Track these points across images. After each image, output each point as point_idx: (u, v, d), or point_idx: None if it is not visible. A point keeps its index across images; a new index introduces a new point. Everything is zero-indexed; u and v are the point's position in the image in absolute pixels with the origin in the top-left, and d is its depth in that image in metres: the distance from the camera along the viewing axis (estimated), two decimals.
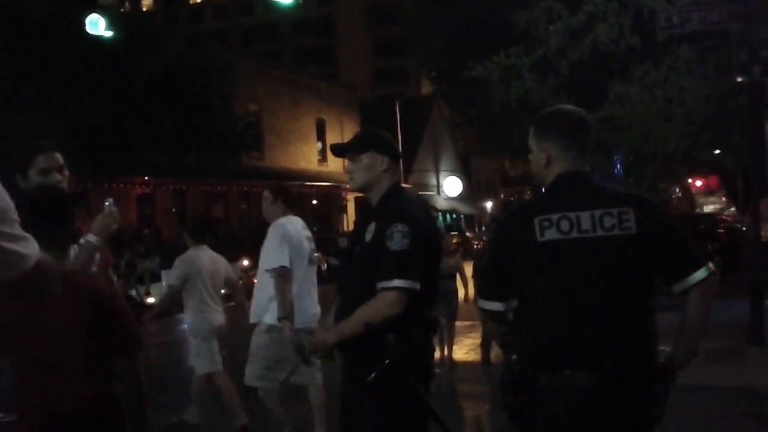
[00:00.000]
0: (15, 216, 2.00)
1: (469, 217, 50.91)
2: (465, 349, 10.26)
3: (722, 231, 19.00)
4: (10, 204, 1.99)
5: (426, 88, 43.13)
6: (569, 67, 14.12)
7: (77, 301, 2.60)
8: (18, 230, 2.02)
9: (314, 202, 34.50)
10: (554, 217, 2.70)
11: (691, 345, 2.77)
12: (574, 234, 2.67)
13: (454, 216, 46.82)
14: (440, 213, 40.82)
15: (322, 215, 34.43)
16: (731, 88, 12.37)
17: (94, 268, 3.40)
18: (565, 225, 2.68)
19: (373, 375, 3.09)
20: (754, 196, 10.17)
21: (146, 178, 24.17)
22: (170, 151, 21.37)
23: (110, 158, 18.93)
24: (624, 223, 2.66)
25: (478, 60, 14.78)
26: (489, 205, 53.38)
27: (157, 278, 18.61)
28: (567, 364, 2.63)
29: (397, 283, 3.15)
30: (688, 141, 14.61)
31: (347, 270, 3.51)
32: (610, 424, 2.62)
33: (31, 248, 2.08)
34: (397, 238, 3.17)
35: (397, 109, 38.42)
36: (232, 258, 22.82)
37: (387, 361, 3.09)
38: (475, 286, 7.31)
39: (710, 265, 2.71)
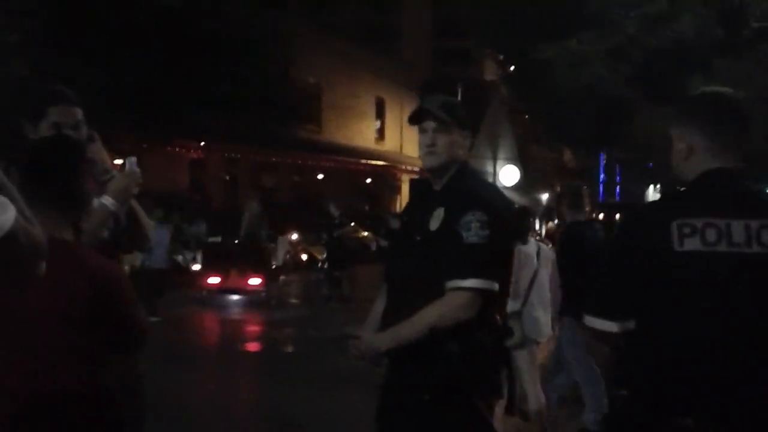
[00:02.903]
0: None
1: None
2: None
3: None
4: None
5: (488, 72, 42.22)
6: (644, 56, 13.41)
7: (77, 282, 2.18)
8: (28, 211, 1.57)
9: (368, 180, 34.19)
10: (698, 223, 2.12)
11: None
12: (722, 247, 2.10)
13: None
14: None
15: (375, 194, 34.12)
16: None
17: (105, 235, 2.92)
18: (711, 234, 2.10)
19: (429, 392, 2.59)
20: None
21: (200, 143, 23.97)
22: (224, 115, 20.87)
23: (161, 120, 18.43)
24: None
25: (546, 43, 14.17)
26: (545, 196, 52.39)
27: (203, 245, 18.32)
28: (691, 411, 2.05)
29: (472, 282, 2.63)
30: None
31: (403, 262, 2.91)
32: None
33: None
34: (475, 229, 2.66)
35: (460, 91, 37.72)
36: (282, 231, 22.65)
37: (447, 375, 2.59)
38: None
39: None
